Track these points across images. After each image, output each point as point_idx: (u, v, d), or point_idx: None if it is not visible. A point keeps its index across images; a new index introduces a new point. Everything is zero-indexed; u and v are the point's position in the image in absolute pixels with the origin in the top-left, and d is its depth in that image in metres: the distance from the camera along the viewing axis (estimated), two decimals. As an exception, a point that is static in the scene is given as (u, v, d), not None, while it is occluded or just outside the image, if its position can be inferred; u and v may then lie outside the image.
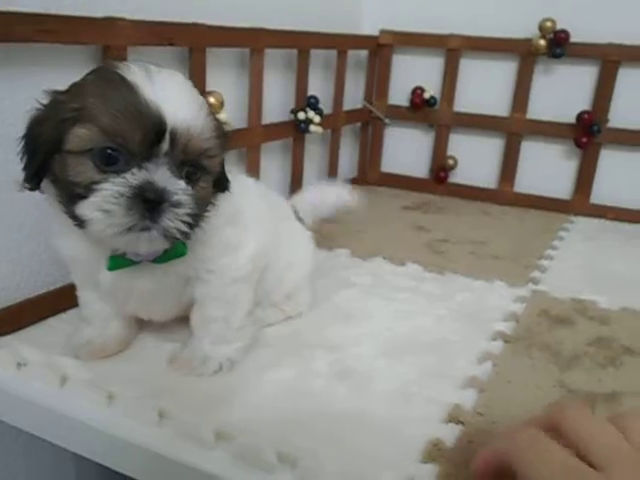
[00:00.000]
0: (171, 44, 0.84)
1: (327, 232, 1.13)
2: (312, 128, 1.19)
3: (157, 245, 0.54)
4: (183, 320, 0.69)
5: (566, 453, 0.40)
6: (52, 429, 0.61)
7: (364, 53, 1.47)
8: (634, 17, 1.26)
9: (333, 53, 1.30)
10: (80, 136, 0.50)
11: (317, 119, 1.20)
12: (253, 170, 1.07)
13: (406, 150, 1.54)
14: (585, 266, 1.07)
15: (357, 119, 1.49)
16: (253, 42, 1.02)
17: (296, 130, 1.19)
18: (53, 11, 0.69)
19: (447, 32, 1.40)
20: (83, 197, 0.51)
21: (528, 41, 1.32)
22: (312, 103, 1.21)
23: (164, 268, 0.59)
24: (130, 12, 0.78)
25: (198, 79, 0.90)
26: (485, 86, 1.42)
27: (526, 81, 1.36)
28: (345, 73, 1.34)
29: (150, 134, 0.50)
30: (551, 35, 1.29)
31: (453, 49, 1.41)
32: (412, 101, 1.47)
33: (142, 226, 0.51)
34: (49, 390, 0.60)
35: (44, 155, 0.52)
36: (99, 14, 0.74)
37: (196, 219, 0.54)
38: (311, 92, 1.21)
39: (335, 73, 1.32)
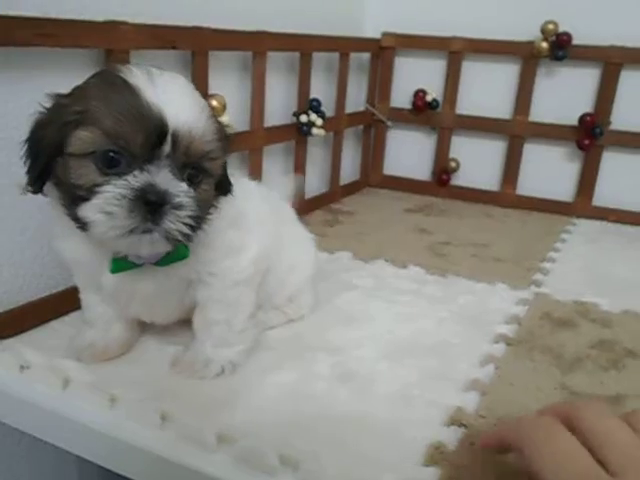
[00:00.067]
0: (174, 47, 0.85)
1: (329, 234, 1.14)
2: (314, 131, 1.20)
3: (159, 247, 0.54)
4: (185, 323, 0.69)
5: (580, 446, 0.39)
6: (55, 431, 0.61)
7: (366, 56, 1.48)
8: (636, 19, 1.26)
9: (335, 56, 1.31)
10: (83, 139, 0.51)
11: (319, 122, 1.20)
12: (255, 173, 1.08)
13: (408, 153, 1.55)
14: (587, 268, 1.07)
15: (359, 122, 1.49)
16: (255, 45, 1.02)
17: (298, 133, 1.19)
18: (54, 15, 0.69)
19: (449, 35, 1.40)
20: (85, 199, 0.51)
21: (530, 44, 1.32)
22: (314, 106, 1.21)
23: (166, 271, 0.59)
24: (131, 16, 0.78)
25: (201, 82, 0.90)
26: (487, 89, 1.42)
27: (528, 84, 1.36)
28: (347, 76, 1.34)
29: (152, 136, 0.50)
30: (553, 37, 1.29)
31: (455, 52, 1.41)
32: (414, 104, 1.47)
33: (144, 228, 0.51)
34: (52, 393, 0.61)
35: (47, 158, 0.53)
36: (100, 18, 0.74)
37: (198, 221, 0.54)
38: (313, 95, 1.21)
39: (337, 76, 1.32)
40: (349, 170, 1.51)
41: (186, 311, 0.67)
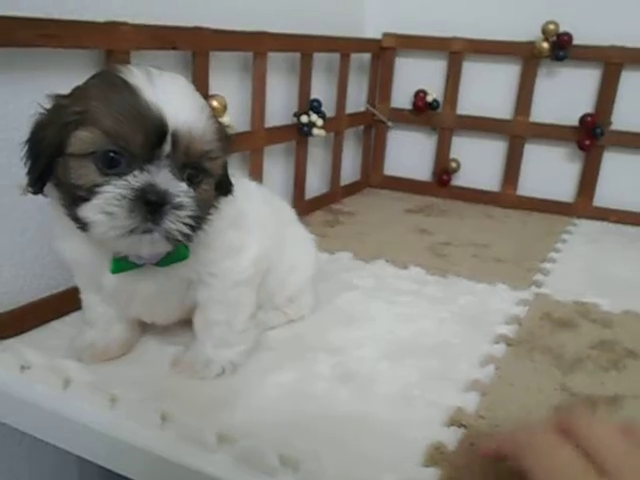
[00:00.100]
0: (174, 48, 0.85)
1: (330, 235, 1.14)
2: (315, 131, 1.20)
3: (159, 247, 0.54)
4: (186, 323, 0.69)
5: (583, 461, 0.39)
6: (55, 432, 0.61)
7: (367, 56, 1.48)
8: (637, 20, 1.26)
9: (336, 56, 1.31)
10: (83, 139, 0.51)
11: (320, 122, 1.20)
12: (256, 173, 1.08)
13: (409, 153, 1.55)
14: (588, 269, 1.07)
15: (360, 122, 1.49)
16: (256, 46, 1.02)
17: (299, 133, 1.20)
18: (55, 16, 0.69)
19: (450, 35, 1.40)
20: (85, 200, 0.51)
21: (531, 44, 1.32)
22: (315, 106, 1.21)
23: (167, 271, 0.59)
24: (132, 16, 0.78)
25: (201, 83, 0.90)
26: (488, 89, 1.42)
27: (529, 84, 1.36)
28: (348, 76, 1.34)
29: (152, 136, 0.50)
30: (554, 38, 1.29)
31: (456, 52, 1.41)
32: (415, 104, 1.47)
33: (144, 228, 0.51)
34: (52, 393, 0.61)
35: (47, 159, 0.53)
36: (101, 19, 0.74)
37: (198, 221, 0.54)
38: (314, 95, 1.22)
39: (338, 76, 1.32)
40: (350, 170, 1.51)
41: (186, 311, 0.67)
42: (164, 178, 0.51)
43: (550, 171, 1.40)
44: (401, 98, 1.50)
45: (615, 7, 1.28)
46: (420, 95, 1.46)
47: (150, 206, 0.50)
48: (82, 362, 0.65)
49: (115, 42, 0.76)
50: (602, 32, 1.26)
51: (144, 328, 0.72)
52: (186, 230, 0.53)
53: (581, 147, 1.33)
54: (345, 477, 0.51)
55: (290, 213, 0.83)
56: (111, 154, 0.51)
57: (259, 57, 1.04)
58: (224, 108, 0.91)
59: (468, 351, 0.74)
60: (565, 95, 1.35)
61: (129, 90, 0.50)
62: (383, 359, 0.72)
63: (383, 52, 1.48)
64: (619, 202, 1.34)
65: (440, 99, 1.46)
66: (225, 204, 0.61)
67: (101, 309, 0.67)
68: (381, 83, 1.51)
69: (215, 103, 0.90)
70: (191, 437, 0.54)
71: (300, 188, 1.25)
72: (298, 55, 1.16)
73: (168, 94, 0.51)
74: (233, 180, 0.61)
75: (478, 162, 1.47)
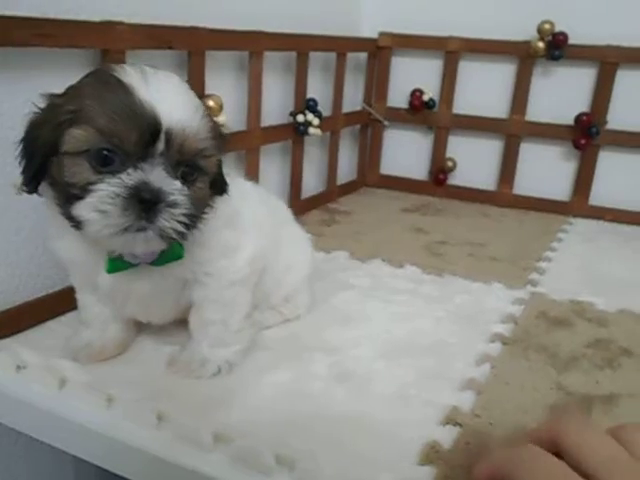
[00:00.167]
0: (170, 47, 0.85)
1: (326, 234, 1.14)
2: (311, 131, 1.20)
3: (153, 246, 0.54)
4: (182, 323, 0.69)
5: (566, 469, 0.39)
6: (51, 432, 0.61)
7: (363, 55, 1.48)
8: (632, 19, 1.27)
9: (332, 56, 1.31)
10: (76, 137, 0.51)
11: (316, 122, 1.20)
12: (252, 173, 1.08)
13: (405, 152, 1.55)
14: (583, 268, 1.07)
15: (356, 121, 1.50)
16: (252, 45, 1.02)
17: (295, 133, 1.20)
18: (51, 15, 0.69)
19: (446, 34, 1.40)
20: (79, 198, 0.51)
21: (527, 43, 1.32)
22: (311, 106, 1.21)
23: (162, 271, 0.59)
24: (128, 16, 0.78)
25: (197, 82, 0.90)
26: (484, 88, 1.43)
27: (525, 83, 1.37)
28: (344, 75, 1.34)
29: (145, 134, 0.50)
30: (550, 37, 1.29)
31: (452, 51, 1.41)
32: (411, 103, 1.47)
33: (138, 226, 0.51)
34: (48, 393, 0.61)
35: (42, 158, 0.53)
36: (97, 18, 0.74)
37: (193, 220, 0.54)
38: (310, 95, 1.22)
39: (334, 75, 1.32)
40: (346, 170, 1.51)
41: (182, 311, 0.67)
42: (158, 176, 0.51)
43: (546, 170, 1.41)
44: (397, 97, 1.51)
45: (610, 7, 1.28)
46: (416, 94, 1.46)
47: (144, 204, 0.50)
48: (78, 362, 0.65)
49: (111, 42, 0.76)
50: (597, 32, 1.27)
51: (140, 328, 0.72)
52: (180, 228, 0.53)
53: (577, 146, 1.33)
54: (341, 476, 0.51)
55: (286, 212, 0.83)
56: (105, 152, 0.51)
57: (255, 56, 1.04)
58: (220, 107, 0.91)
59: (464, 350, 0.75)
60: (561, 94, 1.35)
61: (123, 88, 0.50)
62: (379, 358, 0.72)
63: (379, 51, 1.48)
64: (615, 201, 1.35)
65: (436, 98, 1.46)
66: (220, 203, 0.61)
67: (97, 309, 0.67)
68: (377, 82, 1.51)
69: (211, 102, 0.89)
70: (187, 437, 0.54)
71: (296, 187, 1.25)
72: (294, 54, 1.16)
73: (162, 93, 0.51)
74: (228, 179, 0.61)
75: (474, 161, 1.47)
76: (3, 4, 0.65)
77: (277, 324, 0.78)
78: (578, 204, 1.38)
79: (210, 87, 0.93)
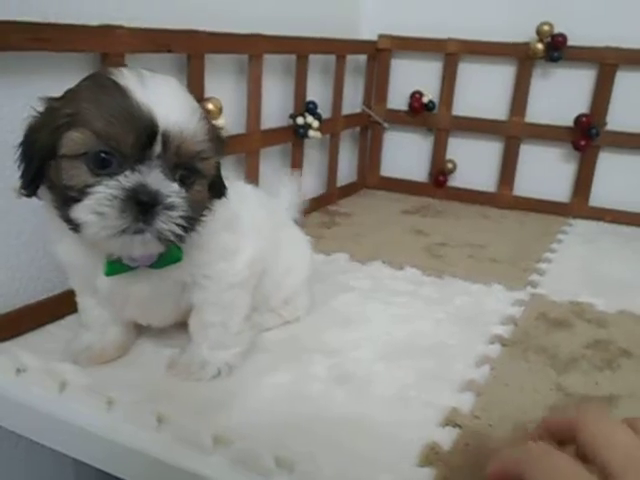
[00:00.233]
0: (169, 51, 0.85)
1: (326, 236, 1.14)
2: (311, 133, 1.20)
3: (151, 248, 0.54)
4: (182, 325, 0.69)
5: (578, 466, 0.39)
6: (52, 435, 0.61)
7: (363, 58, 1.48)
8: (631, 21, 1.27)
9: (332, 58, 1.31)
10: (74, 140, 0.51)
11: (316, 124, 1.20)
12: (252, 175, 1.08)
13: (405, 154, 1.55)
14: (583, 269, 1.07)
15: (356, 124, 1.50)
16: (251, 48, 1.02)
17: (295, 135, 1.20)
18: (50, 20, 0.69)
19: (445, 36, 1.40)
20: (77, 200, 0.51)
21: (526, 45, 1.32)
22: (311, 108, 1.21)
23: (161, 274, 0.59)
24: (127, 20, 0.78)
25: (196, 85, 0.90)
26: (483, 90, 1.43)
27: (524, 85, 1.37)
28: (344, 78, 1.34)
29: (142, 137, 0.50)
30: (549, 39, 1.30)
31: (451, 53, 1.42)
32: (411, 105, 1.47)
33: (136, 228, 0.51)
34: (48, 396, 0.61)
35: (40, 161, 0.53)
36: (96, 22, 0.74)
37: (191, 222, 0.54)
38: (310, 97, 1.22)
39: (334, 78, 1.32)
40: (346, 172, 1.51)
41: (182, 314, 0.67)
42: (155, 178, 0.51)
43: (546, 171, 1.41)
44: (397, 99, 1.51)
45: (610, 8, 1.28)
46: (416, 96, 1.46)
47: (141, 206, 0.50)
48: (78, 365, 0.65)
49: (110, 45, 0.76)
50: (597, 33, 1.27)
51: (140, 330, 0.72)
52: (178, 230, 0.53)
53: (576, 147, 1.33)
54: (341, 478, 0.51)
55: (286, 215, 0.83)
56: (102, 155, 0.51)
57: (254, 59, 1.04)
58: (219, 110, 0.91)
59: (464, 352, 0.75)
60: (560, 96, 1.35)
61: (120, 91, 0.51)
62: (379, 360, 0.72)
63: (379, 53, 1.48)
64: (614, 202, 1.35)
65: (436, 100, 1.46)
66: (219, 206, 0.61)
67: (97, 312, 0.67)
68: (377, 84, 1.51)
69: (210, 106, 0.90)
70: (187, 439, 0.54)
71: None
72: (294, 57, 1.16)
73: (159, 95, 0.52)
74: (227, 182, 0.61)
75: (474, 163, 1.47)
76: (0, 8, 0.65)
77: (277, 326, 0.78)
78: (578, 205, 1.38)
79: (210, 90, 0.94)
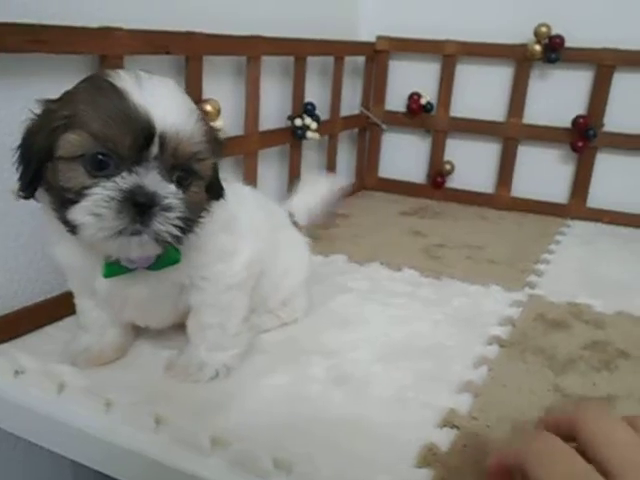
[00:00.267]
0: (168, 53, 0.85)
1: (324, 237, 1.14)
2: (309, 134, 1.20)
3: (149, 250, 0.54)
4: (180, 327, 0.69)
5: (579, 460, 0.40)
6: (50, 436, 0.61)
7: (361, 59, 1.48)
8: (628, 22, 1.27)
9: (330, 59, 1.31)
10: (71, 142, 0.51)
11: (314, 125, 1.20)
12: (250, 177, 1.08)
13: (403, 155, 1.55)
14: (581, 270, 1.07)
15: (354, 125, 1.50)
16: (250, 50, 1.03)
17: (293, 137, 1.20)
18: (48, 21, 0.69)
19: (443, 38, 1.41)
20: (74, 202, 0.51)
21: (523, 46, 1.33)
22: (309, 110, 1.21)
23: (158, 275, 0.59)
24: (125, 22, 0.78)
25: (195, 87, 0.90)
26: (481, 91, 1.43)
27: (522, 86, 1.37)
28: (342, 79, 1.34)
29: (139, 138, 0.50)
30: (546, 40, 1.30)
31: (449, 55, 1.42)
32: (409, 107, 1.47)
33: (133, 230, 0.51)
34: (46, 397, 0.61)
35: (37, 163, 0.53)
36: (94, 24, 0.74)
37: (188, 224, 0.54)
38: (308, 99, 1.22)
39: (332, 79, 1.33)
40: (344, 173, 1.51)
41: (180, 315, 0.67)
42: (152, 180, 0.51)
43: (543, 173, 1.41)
44: (395, 101, 1.51)
45: (607, 10, 1.28)
46: (414, 98, 1.46)
47: (139, 207, 0.50)
48: (76, 366, 0.65)
49: (109, 47, 0.76)
50: (594, 34, 1.27)
51: (138, 332, 0.72)
52: (175, 232, 0.53)
53: (574, 149, 1.33)
54: (338, 479, 0.51)
55: (284, 217, 0.83)
56: (99, 156, 0.51)
57: (253, 61, 1.04)
58: (218, 112, 0.92)
59: (462, 353, 0.75)
60: (558, 97, 1.36)
61: (117, 93, 0.51)
62: (377, 361, 0.72)
63: (377, 55, 1.49)
64: (612, 203, 1.35)
65: (434, 102, 1.46)
66: (217, 207, 0.61)
67: (95, 314, 0.67)
68: (375, 86, 1.52)
69: (209, 107, 0.90)
70: (185, 441, 0.55)
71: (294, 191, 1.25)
72: (292, 59, 1.16)
73: (156, 97, 0.52)
74: (225, 184, 0.61)
75: (472, 164, 1.48)
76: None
77: (275, 328, 0.78)
78: (576, 206, 1.38)
79: (208, 92, 0.94)
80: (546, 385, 0.69)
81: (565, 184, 1.40)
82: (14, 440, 0.77)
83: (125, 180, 0.51)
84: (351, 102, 1.47)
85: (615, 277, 1.04)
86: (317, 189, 0.92)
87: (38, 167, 0.53)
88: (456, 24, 1.40)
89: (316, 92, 1.29)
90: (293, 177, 1.24)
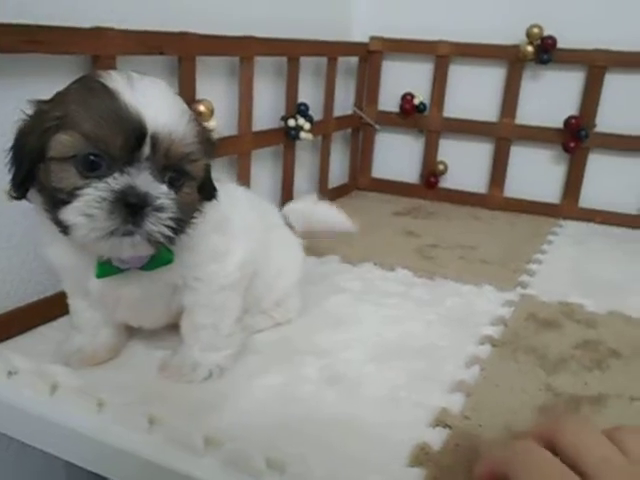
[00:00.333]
0: (161, 53, 0.85)
1: (317, 239, 1.14)
2: (302, 135, 1.20)
3: (141, 250, 0.54)
4: (173, 327, 0.69)
5: (560, 465, 0.40)
6: (43, 437, 0.61)
7: (354, 60, 1.48)
8: (620, 23, 1.28)
9: (323, 60, 1.31)
10: (63, 143, 0.51)
11: (307, 126, 1.20)
12: (244, 177, 1.08)
13: (396, 156, 1.55)
14: (573, 270, 1.08)
15: (347, 125, 1.50)
16: (243, 50, 1.03)
17: (286, 137, 1.20)
18: (40, 22, 0.69)
19: (436, 38, 1.41)
20: (66, 203, 0.51)
21: (516, 47, 1.33)
22: (302, 110, 1.21)
23: (151, 276, 0.59)
24: (118, 22, 0.78)
25: (188, 88, 0.90)
26: (474, 92, 1.43)
27: (514, 87, 1.38)
28: (335, 80, 1.34)
29: (131, 139, 0.51)
30: (538, 41, 1.30)
31: (442, 55, 1.42)
32: (402, 107, 1.48)
33: (124, 230, 0.51)
34: (39, 398, 0.61)
35: (30, 164, 0.53)
36: (87, 24, 0.74)
37: (180, 224, 0.54)
38: (301, 99, 1.22)
39: (325, 80, 1.33)
40: (337, 173, 1.51)
41: (173, 316, 0.67)
42: (144, 180, 0.51)
43: (536, 173, 1.42)
44: (388, 101, 1.51)
45: (599, 11, 1.29)
46: (407, 98, 1.47)
47: (130, 208, 0.51)
48: (70, 367, 0.65)
49: (102, 47, 0.76)
50: (586, 36, 1.28)
51: (131, 332, 0.72)
52: (167, 232, 0.53)
53: (566, 149, 1.34)
54: (331, 478, 0.52)
55: (277, 217, 0.83)
56: (91, 157, 0.51)
57: (246, 61, 1.04)
58: (211, 113, 0.92)
59: (454, 352, 0.75)
60: (550, 98, 1.36)
61: (108, 94, 0.51)
62: (370, 361, 0.72)
63: (370, 55, 1.49)
64: (604, 203, 1.36)
65: (427, 102, 1.47)
66: (210, 208, 0.61)
67: (88, 314, 0.67)
68: (368, 86, 1.52)
69: (202, 108, 0.90)
70: (179, 441, 0.55)
71: (288, 192, 1.26)
72: (285, 59, 1.17)
73: (148, 97, 0.52)
74: (217, 184, 0.61)
75: (465, 164, 1.48)
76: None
77: (268, 328, 0.78)
78: (568, 206, 1.39)
79: (201, 92, 0.94)
80: (538, 384, 0.69)
81: (557, 184, 1.41)
82: (7, 441, 0.76)
83: (117, 181, 0.51)
84: (344, 102, 1.48)
85: (607, 277, 1.04)
86: (322, 214, 0.92)
87: (30, 168, 0.53)
88: (449, 25, 1.41)
89: (309, 92, 1.29)
90: (287, 177, 1.24)
